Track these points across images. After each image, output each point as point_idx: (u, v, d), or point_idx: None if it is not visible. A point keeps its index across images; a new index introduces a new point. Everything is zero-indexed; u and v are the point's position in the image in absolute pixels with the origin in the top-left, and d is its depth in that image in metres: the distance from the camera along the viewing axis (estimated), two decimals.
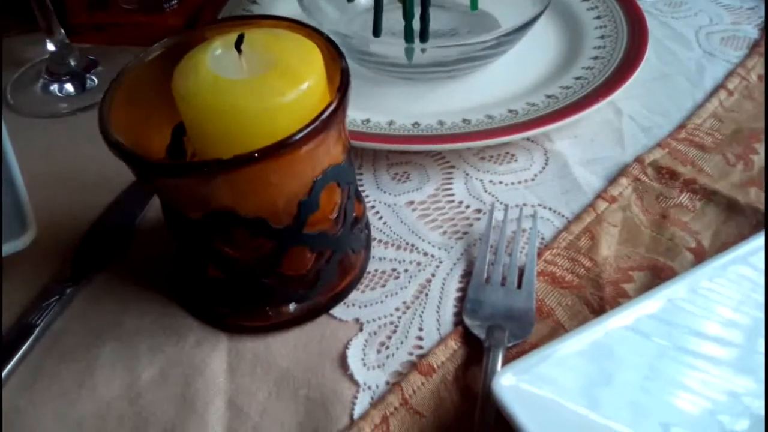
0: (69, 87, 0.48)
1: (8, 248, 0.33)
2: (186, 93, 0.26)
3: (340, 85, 0.27)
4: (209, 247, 0.29)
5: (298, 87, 0.26)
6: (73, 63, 0.48)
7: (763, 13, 0.53)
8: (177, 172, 0.25)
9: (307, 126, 0.25)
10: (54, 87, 0.48)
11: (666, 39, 0.50)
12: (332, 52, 0.29)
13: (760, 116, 0.43)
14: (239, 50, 0.27)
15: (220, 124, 0.26)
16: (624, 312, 0.29)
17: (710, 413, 0.26)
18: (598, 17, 0.49)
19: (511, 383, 0.25)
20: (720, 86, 0.45)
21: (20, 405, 0.29)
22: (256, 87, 0.26)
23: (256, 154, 0.24)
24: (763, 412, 0.26)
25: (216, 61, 0.27)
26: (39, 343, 0.31)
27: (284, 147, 0.24)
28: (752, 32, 0.51)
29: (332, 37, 0.30)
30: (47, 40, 0.47)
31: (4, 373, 0.30)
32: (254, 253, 0.29)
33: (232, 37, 0.27)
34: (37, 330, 0.32)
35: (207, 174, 0.24)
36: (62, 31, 0.47)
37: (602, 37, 0.47)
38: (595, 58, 0.45)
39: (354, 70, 0.40)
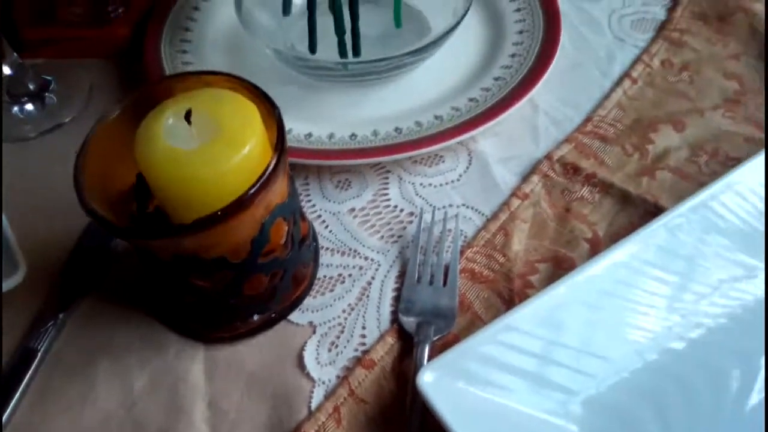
0: (30, 107, 0.51)
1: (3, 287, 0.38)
2: (146, 164, 0.31)
3: (277, 142, 0.32)
4: (181, 280, 0.34)
5: (241, 151, 0.31)
6: (31, 87, 0.51)
7: None
8: (146, 236, 0.30)
9: (256, 183, 0.30)
10: (15, 109, 0.51)
11: (581, 25, 0.54)
12: (267, 105, 0.33)
13: (660, 104, 0.48)
14: (189, 122, 0.31)
15: (179, 189, 0.30)
16: (528, 305, 0.35)
17: None
18: (518, 9, 0.53)
19: (431, 379, 0.32)
20: (625, 74, 0.50)
21: (34, 421, 0.35)
22: (207, 155, 0.30)
23: (218, 213, 0.29)
24: None
25: (169, 132, 0.31)
26: (42, 366, 0.37)
27: (240, 206, 0.29)
28: (660, 13, 0.55)
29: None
30: (3, 65, 0.50)
31: (16, 396, 0.35)
32: (220, 282, 0.35)
33: (182, 106, 0.31)
34: (40, 353, 0.37)
35: (173, 237, 0.29)
36: (15, 54, 0.50)
37: (521, 32, 0.51)
38: (513, 56, 0.49)
39: (294, 77, 0.47)
